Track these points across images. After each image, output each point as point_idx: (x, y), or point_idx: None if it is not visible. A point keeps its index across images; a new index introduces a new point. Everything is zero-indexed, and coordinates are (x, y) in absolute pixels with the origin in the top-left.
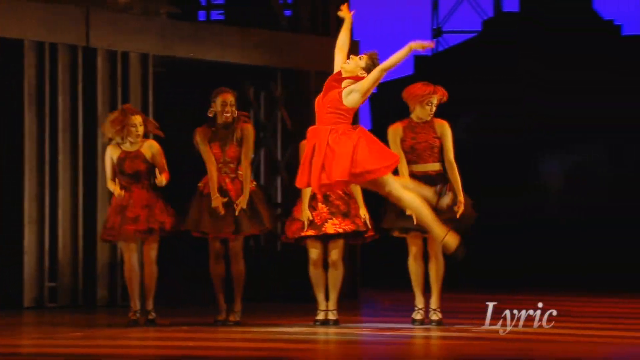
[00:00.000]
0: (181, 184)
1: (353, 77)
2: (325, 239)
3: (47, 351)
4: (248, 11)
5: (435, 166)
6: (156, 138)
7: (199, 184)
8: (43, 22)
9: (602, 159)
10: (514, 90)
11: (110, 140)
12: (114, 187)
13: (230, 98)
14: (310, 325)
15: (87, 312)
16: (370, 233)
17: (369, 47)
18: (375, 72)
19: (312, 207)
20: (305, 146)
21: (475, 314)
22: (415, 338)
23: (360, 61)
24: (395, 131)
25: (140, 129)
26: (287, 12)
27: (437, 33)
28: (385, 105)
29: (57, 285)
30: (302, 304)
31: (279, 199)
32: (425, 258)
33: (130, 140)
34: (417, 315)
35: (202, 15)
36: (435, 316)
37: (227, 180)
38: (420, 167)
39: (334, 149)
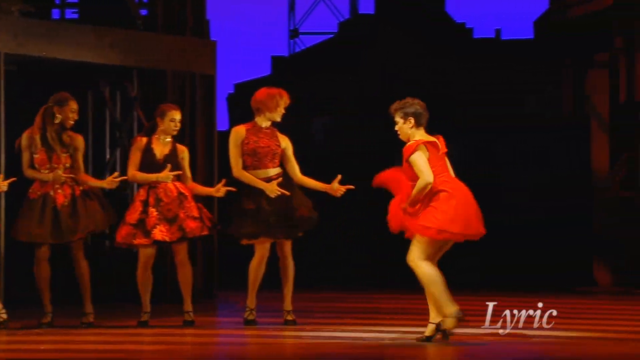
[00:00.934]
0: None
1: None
2: (157, 243)
3: None
4: (103, 10)
5: (276, 170)
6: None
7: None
8: None
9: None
10: (370, 89)
11: None
12: None
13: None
14: (167, 326)
15: None
16: (205, 232)
17: (225, 47)
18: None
19: (145, 213)
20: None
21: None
22: (269, 338)
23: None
24: (237, 133)
25: None
26: (143, 12)
27: (294, 34)
28: (242, 106)
29: None
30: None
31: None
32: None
33: None
34: (250, 316)
35: (56, 13)
36: (290, 317)
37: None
38: (262, 173)
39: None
